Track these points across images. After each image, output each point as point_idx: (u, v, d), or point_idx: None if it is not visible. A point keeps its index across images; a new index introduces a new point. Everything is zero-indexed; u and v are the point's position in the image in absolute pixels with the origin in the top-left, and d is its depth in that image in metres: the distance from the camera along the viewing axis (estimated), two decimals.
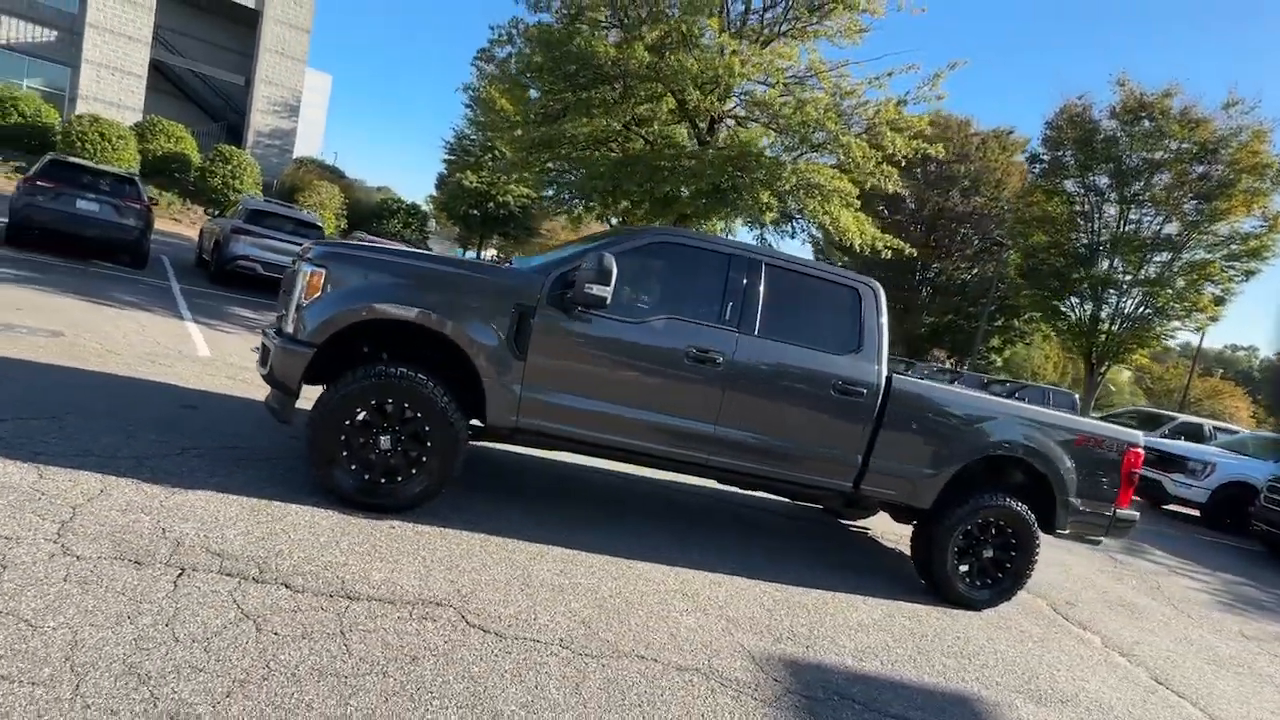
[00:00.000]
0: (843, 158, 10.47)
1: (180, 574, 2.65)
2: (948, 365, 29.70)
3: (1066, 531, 4.76)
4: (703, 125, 11.78)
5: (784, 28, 11.58)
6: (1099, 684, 3.78)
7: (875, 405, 4.27)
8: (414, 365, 3.68)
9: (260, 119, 27.42)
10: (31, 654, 2.03)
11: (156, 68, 25.86)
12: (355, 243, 5.06)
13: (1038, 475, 4.60)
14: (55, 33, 24.46)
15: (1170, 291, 16.55)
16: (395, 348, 3.90)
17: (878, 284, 4.51)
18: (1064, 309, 18.29)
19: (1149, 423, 15.22)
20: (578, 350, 3.91)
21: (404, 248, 6.25)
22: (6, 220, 10.48)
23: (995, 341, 32.82)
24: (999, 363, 33.32)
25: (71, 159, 11.60)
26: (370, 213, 27.96)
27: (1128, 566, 7.03)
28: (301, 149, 32.56)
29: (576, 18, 10.26)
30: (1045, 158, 19.33)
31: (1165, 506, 12.20)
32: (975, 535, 4.51)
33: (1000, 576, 4.61)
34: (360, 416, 3.62)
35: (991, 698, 3.30)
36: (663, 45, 9.77)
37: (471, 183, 27.81)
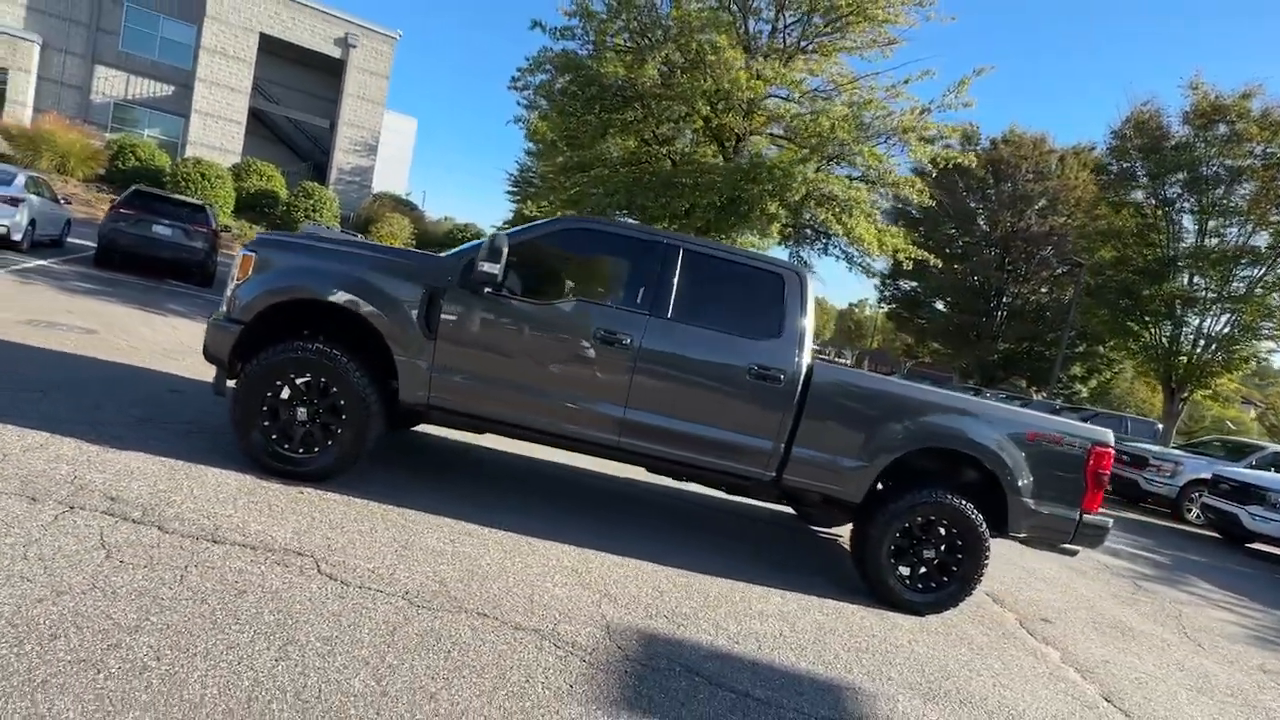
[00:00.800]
0: (862, 168, 10.30)
1: (66, 510, 2.93)
2: (1021, 391, 27.92)
3: (1022, 535, 4.42)
4: (729, 143, 11.90)
5: (805, 44, 11.60)
6: (1024, 693, 3.46)
7: (795, 392, 4.16)
8: (336, 343, 3.93)
9: (342, 158, 29.72)
10: None
11: (254, 114, 28.60)
12: (286, 233, 5.43)
13: (988, 473, 4.32)
14: (172, 88, 27.61)
15: (1261, 308, 14.99)
16: (328, 328, 4.17)
17: (805, 271, 4.43)
18: (1136, 329, 16.88)
19: (1236, 453, 13.82)
20: (486, 331, 4.05)
21: (345, 238, 6.54)
22: (97, 245, 11.86)
23: (1077, 369, 30.59)
24: (1083, 392, 30.94)
25: (150, 190, 13.00)
26: (437, 242, 29.53)
27: (1150, 594, 6.37)
28: (386, 185, 35.06)
29: (601, 44, 10.67)
30: (1112, 168, 18.12)
31: (1248, 545, 10.97)
32: (915, 534, 4.26)
33: (945, 580, 4.32)
34: (280, 389, 3.88)
35: (870, 689, 3.11)
36: (672, 64, 10.00)
37: (532, 212, 28.91)
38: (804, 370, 4.18)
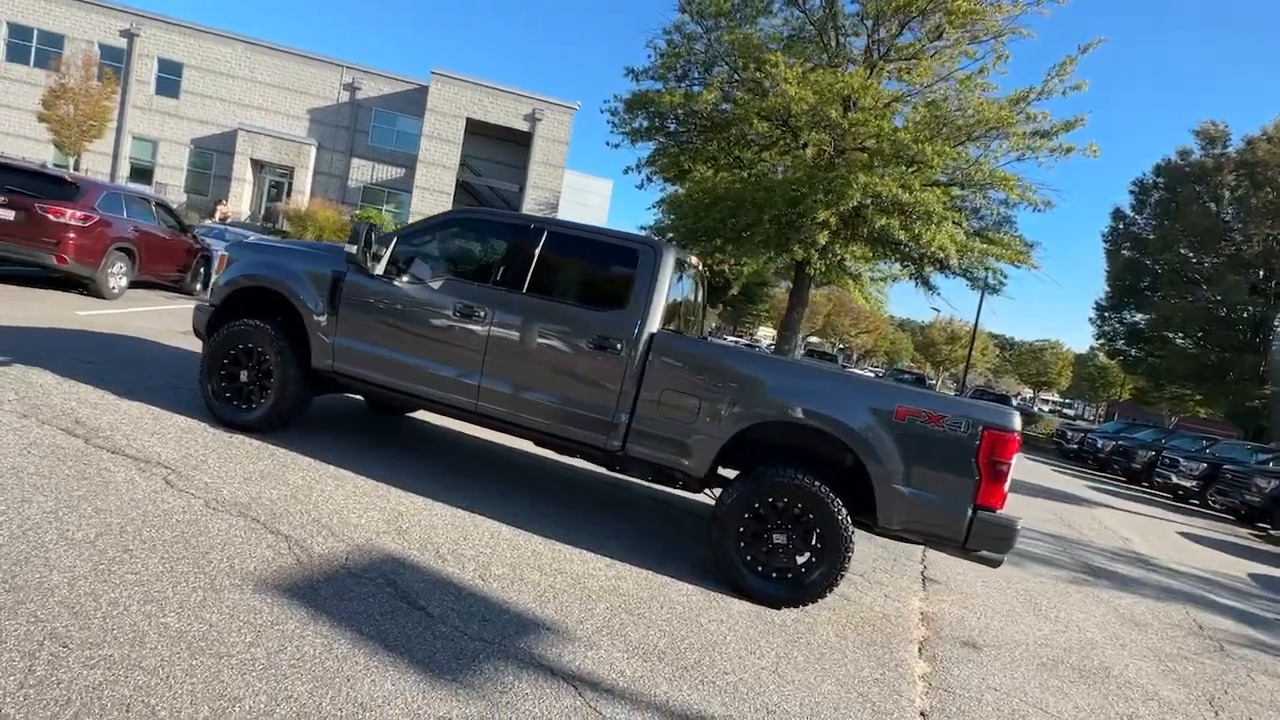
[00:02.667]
0: (943, 170, 9.44)
1: (36, 423, 4.09)
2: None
3: (896, 528, 3.86)
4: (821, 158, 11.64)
5: (892, 54, 11.05)
6: (830, 693, 3.08)
7: (634, 361, 4.18)
8: (274, 320, 4.87)
9: None
10: None
11: (461, 185, 33.78)
12: (261, 238, 6.59)
13: (856, 455, 3.88)
14: (403, 170, 33.77)
15: None
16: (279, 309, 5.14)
17: (662, 246, 4.45)
18: None
19: None
20: (374, 308, 4.71)
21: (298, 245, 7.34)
22: None
23: None
24: None
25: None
26: None
27: (1225, 660, 4.86)
28: None
29: (665, 78, 11.26)
30: None
31: None
32: (768, 518, 3.95)
33: (803, 571, 3.92)
34: (231, 355, 4.91)
35: (611, 648, 3.04)
36: (732, 87, 10.21)
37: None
38: (644, 338, 4.19)
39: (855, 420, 3.84)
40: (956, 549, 3.85)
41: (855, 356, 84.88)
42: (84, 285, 9.43)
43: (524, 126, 33.16)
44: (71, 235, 8.85)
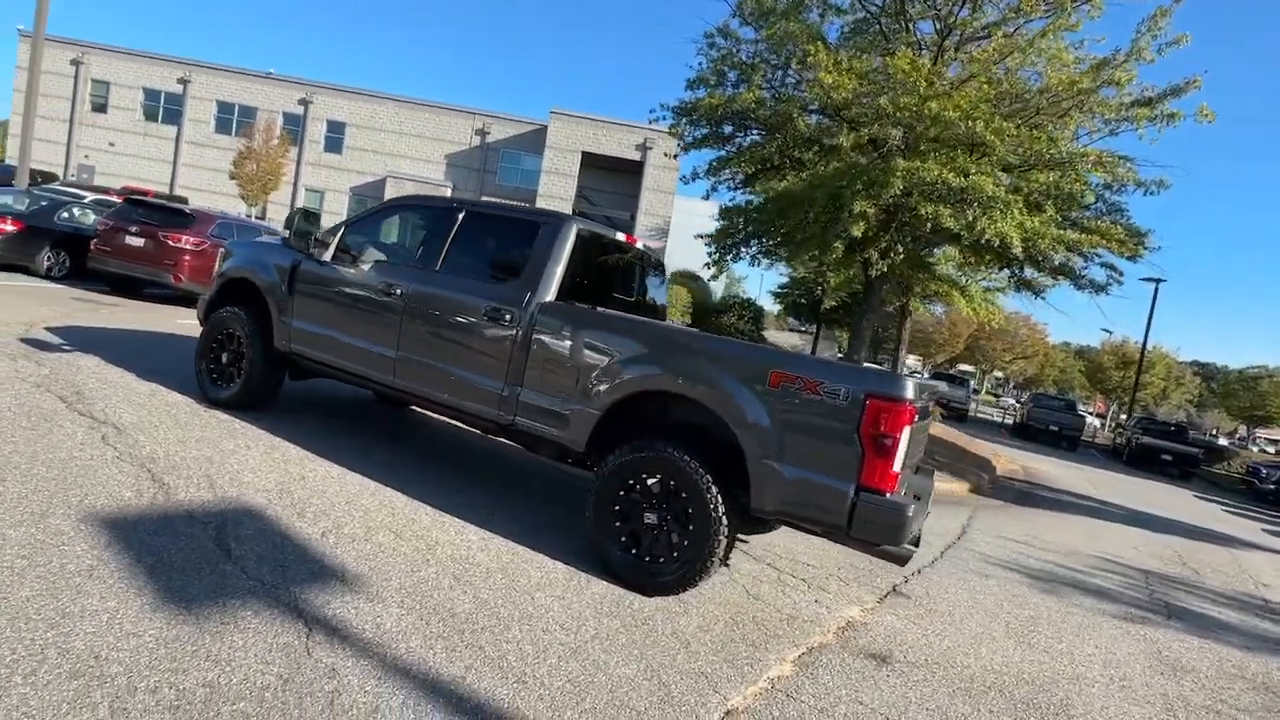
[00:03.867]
0: (1009, 151, 8.42)
1: (37, 388, 4.80)
2: None
3: (771, 509, 3.40)
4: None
5: (960, 32, 10.11)
6: (626, 677, 2.79)
7: (521, 331, 4.09)
8: (247, 307, 5.37)
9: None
10: None
11: (577, 214, 35.39)
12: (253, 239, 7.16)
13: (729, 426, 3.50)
14: (525, 206, 36.03)
15: None
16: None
17: (565, 219, 4.35)
18: None
19: None
20: (316, 290, 5.03)
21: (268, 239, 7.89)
22: None
23: None
24: None
25: None
26: (713, 309, 31.64)
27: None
28: (686, 264, 39.37)
29: (729, 82, 11.06)
30: None
31: None
32: (641, 495, 3.67)
33: (674, 556, 3.56)
34: (217, 339, 5.46)
35: (396, 605, 2.98)
36: (774, 84, 9.84)
37: (799, 273, 29.04)
38: (533, 306, 4.10)
39: (724, 387, 3.48)
40: (844, 537, 3.32)
41: (1011, 384, 76.73)
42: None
43: (635, 156, 34.19)
44: (186, 258, 10.39)
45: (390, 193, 35.36)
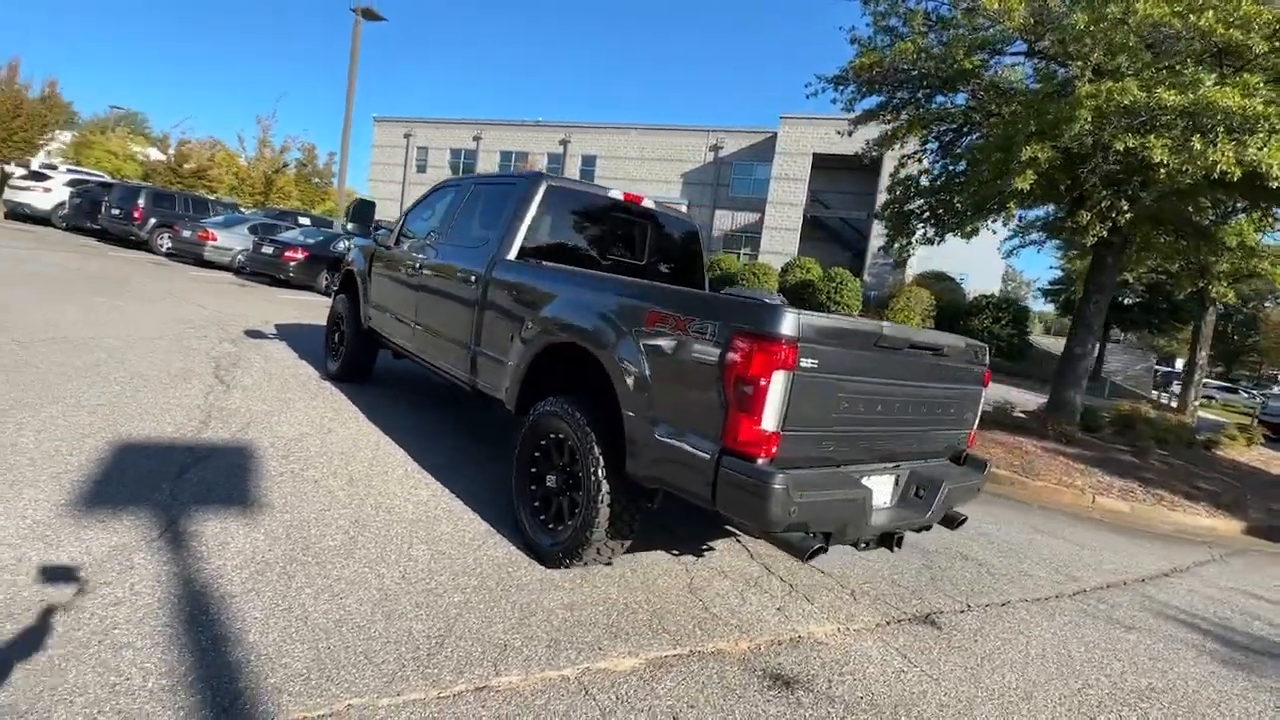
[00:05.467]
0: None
1: (221, 341, 6.16)
2: None
3: (642, 474, 2.86)
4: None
5: None
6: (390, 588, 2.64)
7: (480, 290, 4.07)
8: (350, 293, 6.24)
9: (876, 244, 31.84)
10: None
11: (810, 220, 34.05)
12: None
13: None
14: (757, 215, 35.86)
15: None
16: None
17: (537, 176, 4.22)
18: None
19: None
20: (379, 271, 5.63)
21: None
22: None
23: None
24: None
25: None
26: (964, 311, 27.73)
27: None
28: (940, 265, 35.60)
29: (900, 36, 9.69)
30: None
31: None
32: (545, 455, 3.38)
33: (567, 524, 3.19)
34: (334, 323, 6.43)
35: (249, 526, 3.21)
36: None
37: (1073, 265, 24.03)
38: (490, 267, 4.05)
39: (603, 331, 3.03)
40: (717, 512, 2.63)
41: None
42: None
43: (872, 153, 31.71)
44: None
45: None
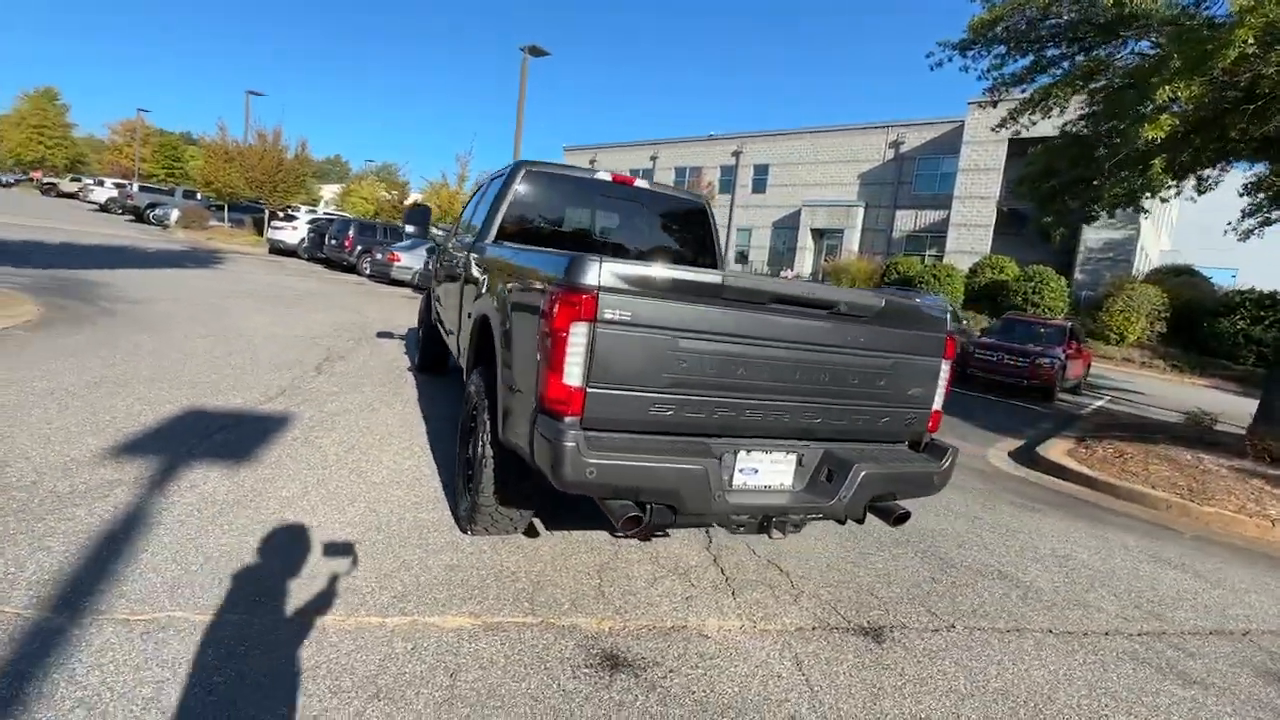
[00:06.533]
0: None
1: (328, 353, 7.20)
2: None
3: (505, 440, 2.83)
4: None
5: None
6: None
7: (465, 273, 4.30)
8: (427, 294, 6.92)
9: (1092, 236, 27.29)
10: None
11: (1007, 213, 30.21)
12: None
13: None
14: (943, 213, 32.72)
15: None
16: None
17: (520, 162, 4.36)
18: None
19: None
20: (439, 269, 6.13)
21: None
22: None
23: None
24: None
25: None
26: (1209, 309, 22.62)
27: None
28: (1186, 258, 29.70)
29: None
30: None
31: None
32: (473, 425, 3.48)
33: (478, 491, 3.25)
34: (421, 322, 7.17)
35: (216, 476, 3.72)
36: None
37: None
38: (472, 253, 4.27)
39: (494, 300, 3.05)
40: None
41: None
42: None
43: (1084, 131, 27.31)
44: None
45: (805, 221, 36.87)
